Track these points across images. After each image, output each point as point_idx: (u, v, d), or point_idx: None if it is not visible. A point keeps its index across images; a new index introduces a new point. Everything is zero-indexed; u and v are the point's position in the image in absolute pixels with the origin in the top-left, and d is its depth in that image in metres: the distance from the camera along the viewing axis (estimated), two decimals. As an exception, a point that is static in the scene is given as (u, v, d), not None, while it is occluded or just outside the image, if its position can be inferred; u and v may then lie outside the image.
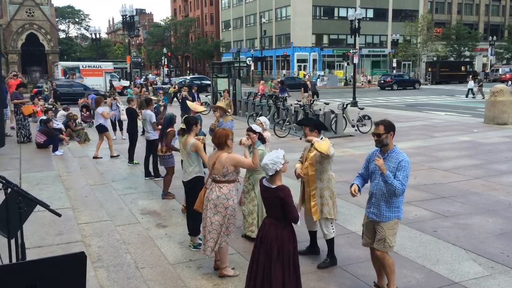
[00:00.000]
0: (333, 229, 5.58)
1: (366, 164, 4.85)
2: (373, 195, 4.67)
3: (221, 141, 5.20)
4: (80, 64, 43.10)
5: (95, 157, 11.92)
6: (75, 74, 39.79)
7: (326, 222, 5.50)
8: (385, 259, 4.66)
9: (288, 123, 16.40)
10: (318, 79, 47.97)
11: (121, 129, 15.57)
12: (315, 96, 28.46)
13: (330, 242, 5.58)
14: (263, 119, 7.46)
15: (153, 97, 12.54)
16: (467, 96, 32.24)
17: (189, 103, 8.86)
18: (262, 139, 6.43)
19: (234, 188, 5.17)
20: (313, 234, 5.85)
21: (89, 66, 42.10)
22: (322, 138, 5.51)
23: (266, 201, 4.42)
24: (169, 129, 8.27)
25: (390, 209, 4.59)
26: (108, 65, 43.79)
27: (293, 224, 4.27)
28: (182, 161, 8.25)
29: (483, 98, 30.60)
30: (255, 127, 6.13)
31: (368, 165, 4.79)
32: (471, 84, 32.85)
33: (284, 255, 4.17)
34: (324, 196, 5.47)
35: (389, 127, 4.58)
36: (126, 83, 38.12)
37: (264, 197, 4.45)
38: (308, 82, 29.76)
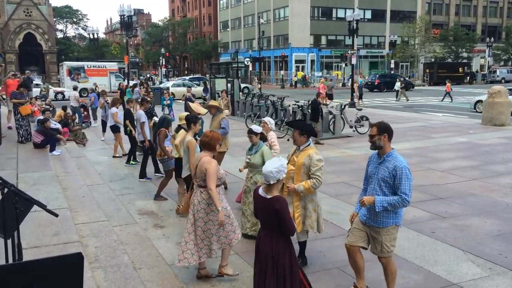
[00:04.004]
0: (307, 235, 5.56)
1: (366, 168, 4.70)
2: None
3: (212, 143, 4.94)
4: (85, 64, 43.10)
5: (114, 157, 12.29)
6: (80, 74, 39.74)
7: (303, 231, 5.42)
8: (388, 264, 4.53)
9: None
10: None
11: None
12: (359, 100, 28.45)
13: (302, 244, 5.56)
14: (267, 119, 7.52)
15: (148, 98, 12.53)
16: (396, 98, 32.24)
17: (191, 104, 8.88)
18: (264, 138, 6.57)
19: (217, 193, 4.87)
20: (300, 244, 5.60)
21: (94, 66, 42.14)
22: (309, 144, 5.32)
23: (259, 212, 4.05)
24: (161, 129, 8.34)
25: (388, 215, 4.38)
26: (113, 65, 43.83)
27: None
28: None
29: (407, 101, 30.68)
30: (256, 128, 6.27)
31: (368, 168, 4.64)
32: (397, 85, 32.70)
33: (279, 267, 3.92)
34: (307, 209, 5.34)
35: (383, 129, 4.33)
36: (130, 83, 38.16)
37: (257, 207, 4.09)
38: (355, 86, 29.90)
